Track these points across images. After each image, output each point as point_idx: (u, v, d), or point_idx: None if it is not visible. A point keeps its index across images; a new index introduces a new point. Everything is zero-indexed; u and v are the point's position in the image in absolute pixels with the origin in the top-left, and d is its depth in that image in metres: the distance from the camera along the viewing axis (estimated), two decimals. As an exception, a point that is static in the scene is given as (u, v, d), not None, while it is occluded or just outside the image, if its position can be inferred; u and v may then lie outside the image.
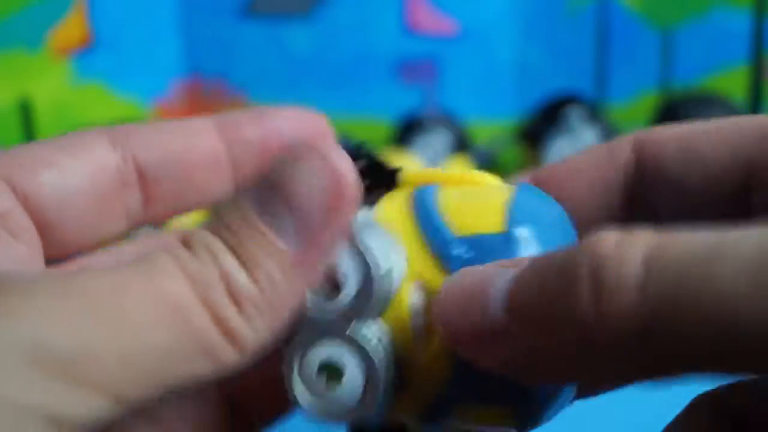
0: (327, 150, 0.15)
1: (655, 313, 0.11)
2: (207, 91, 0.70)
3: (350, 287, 0.16)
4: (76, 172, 0.18)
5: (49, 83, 0.60)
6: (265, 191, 0.15)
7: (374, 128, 0.66)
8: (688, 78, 0.65)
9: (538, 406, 0.17)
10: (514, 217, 0.16)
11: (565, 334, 0.12)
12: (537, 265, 0.14)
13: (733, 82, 0.64)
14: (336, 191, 0.15)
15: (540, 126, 0.60)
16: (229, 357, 0.14)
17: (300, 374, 0.17)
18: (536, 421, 0.17)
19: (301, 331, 0.17)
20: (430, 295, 0.16)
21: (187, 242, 0.15)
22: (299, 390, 0.17)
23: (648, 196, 0.18)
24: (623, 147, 0.18)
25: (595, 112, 0.60)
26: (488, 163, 0.65)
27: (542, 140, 0.58)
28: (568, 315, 0.12)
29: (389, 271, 0.16)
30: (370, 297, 0.16)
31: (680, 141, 0.18)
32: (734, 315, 0.10)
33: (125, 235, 0.20)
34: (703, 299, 0.11)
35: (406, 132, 0.65)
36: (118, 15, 0.64)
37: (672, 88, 0.66)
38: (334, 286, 0.16)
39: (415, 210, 0.17)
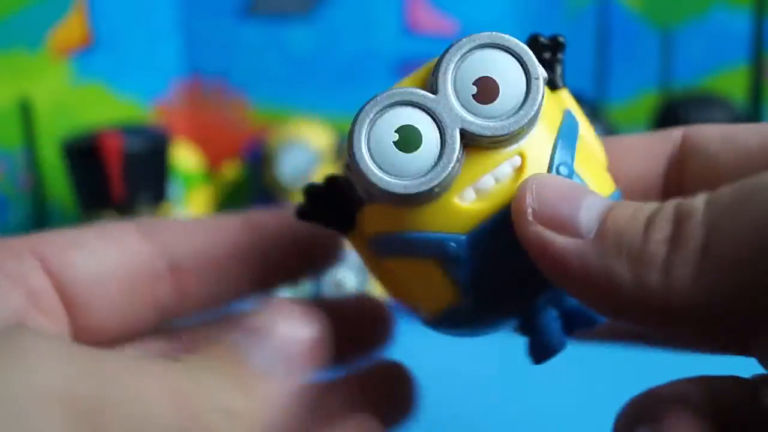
0: (297, 305, 0.17)
1: (713, 223, 0.15)
2: (207, 91, 0.70)
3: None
4: (107, 256, 0.19)
5: (49, 83, 0.60)
6: (242, 331, 0.17)
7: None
8: (688, 78, 0.65)
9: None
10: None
11: (643, 248, 0.15)
12: (630, 205, 0.16)
13: (734, 83, 0.64)
14: (308, 336, 0.17)
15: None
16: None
17: (369, 143, 0.17)
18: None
19: (368, 103, 0.17)
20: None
21: (180, 359, 0.16)
22: (365, 159, 0.17)
23: (687, 178, 0.20)
24: (674, 133, 0.21)
25: (594, 112, 0.60)
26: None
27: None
28: (651, 235, 0.15)
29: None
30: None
31: (723, 130, 0.20)
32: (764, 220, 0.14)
33: (154, 327, 0.20)
34: (742, 209, 0.14)
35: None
36: (118, 15, 0.64)
37: (672, 88, 0.66)
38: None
39: (562, 127, 0.19)
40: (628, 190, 0.20)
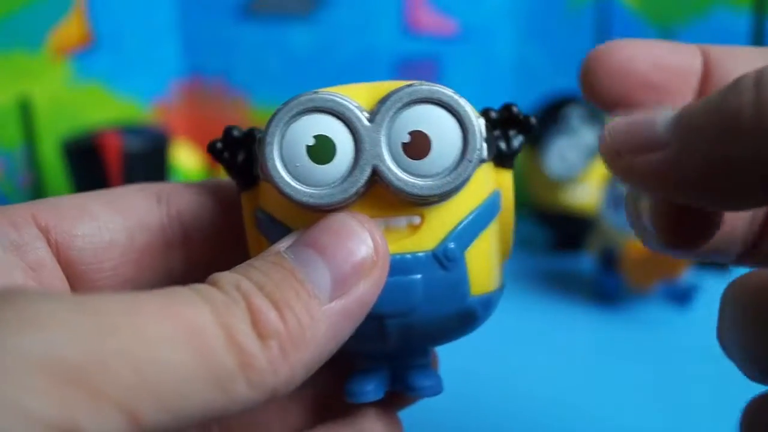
0: (366, 221, 0.16)
1: None
2: (207, 91, 0.70)
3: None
4: (112, 225, 0.18)
5: (49, 83, 0.60)
6: (302, 247, 0.16)
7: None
8: (688, 78, 0.65)
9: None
10: None
11: (727, 139, 0.14)
12: (700, 101, 0.15)
13: (733, 82, 0.64)
14: (371, 258, 0.16)
15: (539, 126, 0.60)
16: (243, 392, 0.14)
17: (281, 152, 0.17)
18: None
19: (280, 110, 0.17)
20: None
21: (214, 282, 0.15)
22: (278, 170, 0.17)
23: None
24: (693, 50, 0.20)
25: (595, 112, 0.60)
26: (488, 162, 0.64)
27: (542, 140, 0.58)
28: (732, 121, 0.14)
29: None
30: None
31: (749, 54, 0.19)
32: None
33: None
34: None
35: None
36: (118, 15, 0.64)
37: (672, 88, 0.66)
38: None
39: (479, 208, 0.18)
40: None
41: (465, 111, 0.17)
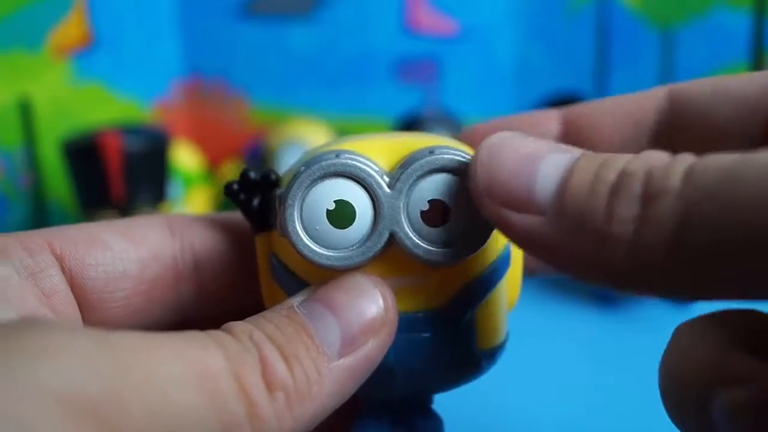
0: (379, 283, 0.16)
1: (691, 206, 0.13)
2: (207, 91, 0.70)
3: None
4: (125, 255, 0.18)
5: (49, 83, 0.60)
6: (315, 303, 0.16)
7: (374, 128, 0.66)
8: (688, 78, 0.65)
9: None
10: None
11: (607, 229, 0.14)
12: (593, 163, 0.14)
13: (733, 82, 0.64)
14: (381, 318, 0.16)
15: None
16: None
17: (301, 214, 0.17)
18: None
19: (297, 177, 0.17)
20: None
21: (229, 329, 0.15)
22: (298, 233, 0.17)
23: (677, 137, 0.18)
24: (657, 92, 0.19)
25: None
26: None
27: (542, 140, 0.58)
28: (616, 212, 0.14)
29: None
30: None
31: (713, 83, 0.18)
32: (753, 209, 0.12)
33: (175, 327, 0.19)
34: (728, 195, 0.13)
35: (406, 131, 0.65)
36: (118, 15, 0.64)
37: (672, 88, 0.66)
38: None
39: (488, 269, 0.18)
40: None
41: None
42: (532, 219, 0.15)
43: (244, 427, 0.14)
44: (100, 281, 0.18)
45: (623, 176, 0.14)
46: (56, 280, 0.18)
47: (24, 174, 0.60)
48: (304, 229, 0.17)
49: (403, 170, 0.17)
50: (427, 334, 0.17)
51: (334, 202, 0.17)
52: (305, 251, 0.17)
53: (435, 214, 0.17)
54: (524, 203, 0.15)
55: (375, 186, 0.17)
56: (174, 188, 0.57)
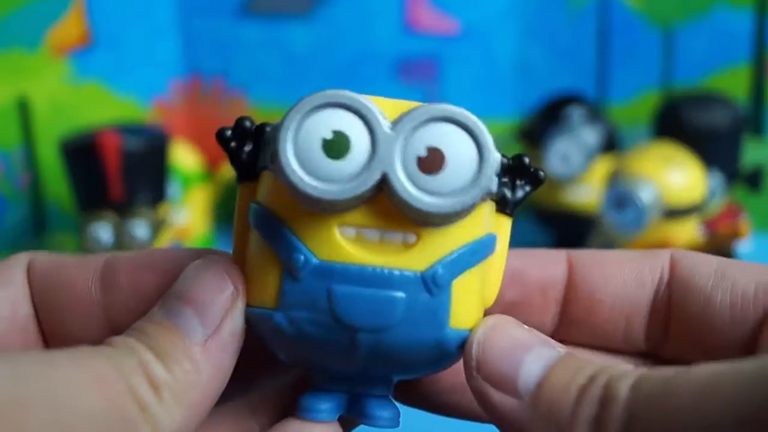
0: (218, 262, 0.18)
1: (634, 413, 0.15)
2: (206, 91, 0.70)
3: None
4: None
5: (48, 82, 0.60)
6: (170, 299, 0.17)
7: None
8: (689, 77, 0.65)
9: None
10: None
11: (571, 425, 0.15)
12: (572, 365, 0.16)
13: (735, 82, 0.64)
14: (228, 292, 0.17)
15: (540, 126, 0.60)
16: None
17: (296, 140, 0.17)
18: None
19: (294, 106, 0.17)
20: None
21: (109, 342, 0.16)
22: (288, 156, 0.16)
23: (674, 307, 0.20)
24: (662, 257, 0.20)
25: (596, 112, 0.60)
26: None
27: (543, 140, 0.58)
28: (580, 411, 0.15)
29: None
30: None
31: (717, 263, 0.20)
32: (683, 422, 0.14)
33: None
34: (663, 407, 0.14)
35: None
36: (116, 14, 0.64)
37: (673, 88, 0.66)
38: None
39: (475, 244, 0.18)
40: (613, 310, 0.20)
41: (486, 141, 0.17)
42: (510, 401, 0.17)
43: (142, 424, 0.15)
44: None
45: (590, 380, 0.16)
46: None
47: (22, 173, 0.59)
48: (296, 155, 0.17)
49: (406, 115, 0.17)
50: (400, 294, 0.17)
51: (332, 132, 0.17)
52: (293, 177, 0.16)
53: (431, 163, 0.17)
54: (506, 385, 0.17)
55: (375, 123, 0.17)
56: (173, 188, 0.57)
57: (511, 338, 0.17)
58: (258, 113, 0.69)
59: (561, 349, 0.17)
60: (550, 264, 0.21)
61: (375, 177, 0.17)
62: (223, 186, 0.67)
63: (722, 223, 0.54)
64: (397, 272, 0.17)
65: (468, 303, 0.18)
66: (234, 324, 0.17)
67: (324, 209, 0.17)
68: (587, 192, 0.57)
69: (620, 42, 0.66)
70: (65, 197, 0.60)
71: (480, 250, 0.18)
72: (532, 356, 0.17)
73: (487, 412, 0.17)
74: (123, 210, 0.50)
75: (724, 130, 0.56)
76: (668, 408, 0.14)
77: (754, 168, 0.61)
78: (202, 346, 0.17)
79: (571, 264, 0.21)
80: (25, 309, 0.19)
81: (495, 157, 0.17)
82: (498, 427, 0.17)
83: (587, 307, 0.21)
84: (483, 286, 0.19)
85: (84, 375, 0.15)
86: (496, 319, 0.18)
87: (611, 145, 0.59)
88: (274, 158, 0.17)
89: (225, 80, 0.70)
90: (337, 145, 0.17)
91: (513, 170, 0.19)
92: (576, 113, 0.58)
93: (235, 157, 0.19)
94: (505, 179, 0.19)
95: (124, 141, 0.50)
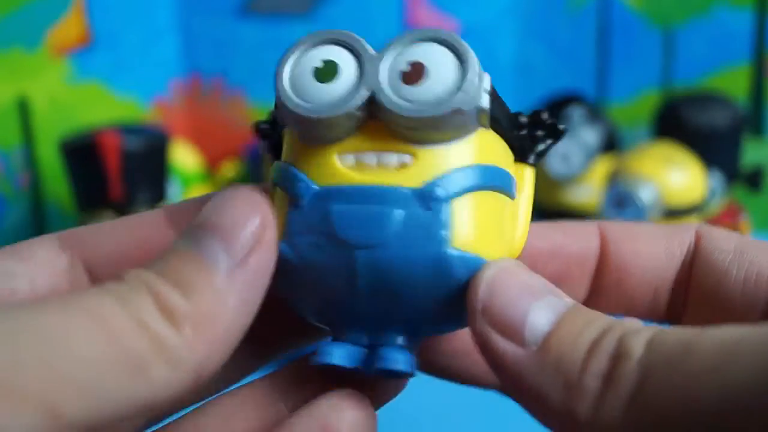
0: (247, 189, 0.17)
1: (648, 372, 0.14)
2: (206, 90, 0.70)
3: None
4: (13, 273, 0.18)
5: (48, 82, 0.59)
6: (192, 228, 0.16)
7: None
8: (689, 77, 0.65)
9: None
10: None
11: (579, 379, 0.15)
12: (582, 318, 0.16)
13: (735, 82, 0.64)
14: (256, 220, 0.16)
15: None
16: (163, 374, 0.14)
17: (292, 71, 0.18)
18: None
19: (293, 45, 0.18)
20: None
21: (117, 277, 0.15)
22: (283, 83, 0.18)
23: (694, 281, 0.20)
24: (689, 231, 0.21)
25: (596, 112, 0.60)
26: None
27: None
28: (590, 365, 0.15)
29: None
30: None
31: (737, 241, 0.20)
32: (700, 383, 0.13)
33: None
34: (681, 367, 0.14)
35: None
36: (116, 14, 0.64)
37: (673, 88, 0.66)
38: None
39: (482, 169, 0.19)
40: (642, 283, 0.21)
41: (467, 52, 0.18)
42: (516, 349, 0.16)
43: (155, 361, 0.14)
44: None
45: (602, 334, 0.15)
46: None
47: (22, 173, 0.59)
48: (291, 84, 0.18)
49: (392, 40, 0.18)
50: (394, 209, 0.17)
51: (322, 61, 0.18)
52: (288, 103, 0.18)
53: (416, 75, 0.17)
54: (513, 332, 0.16)
55: (361, 50, 0.18)
56: (173, 188, 0.57)
57: (521, 283, 0.16)
58: (258, 113, 0.69)
59: (569, 299, 0.17)
60: (586, 237, 0.21)
61: (363, 95, 0.17)
62: (223, 185, 0.67)
63: (722, 223, 0.54)
64: (391, 189, 0.17)
65: (475, 228, 0.18)
66: (262, 255, 0.16)
67: (321, 136, 0.18)
68: (587, 192, 0.57)
69: (620, 42, 0.66)
70: (65, 197, 0.60)
71: (485, 176, 0.18)
72: (541, 304, 0.16)
73: (490, 361, 0.16)
74: (123, 210, 0.50)
75: (724, 130, 0.56)
76: (686, 368, 0.14)
77: (754, 168, 0.61)
78: (227, 275, 0.15)
79: (603, 237, 0.21)
80: (44, 285, 0.18)
81: (479, 72, 0.18)
82: (500, 378, 0.16)
83: (617, 279, 0.21)
84: (500, 220, 0.18)
85: (84, 320, 0.14)
86: (507, 262, 0.17)
87: (611, 145, 0.59)
88: (276, 92, 0.18)
89: (225, 80, 0.70)
90: (327, 72, 0.18)
91: (531, 125, 0.19)
92: (576, 113, 0.58)
93: (271, 145, 0.20)
94: (524, 132, 0.19)
95: (124, 141, 0.50)
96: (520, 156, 0.20)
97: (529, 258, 0.19)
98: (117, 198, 0.50)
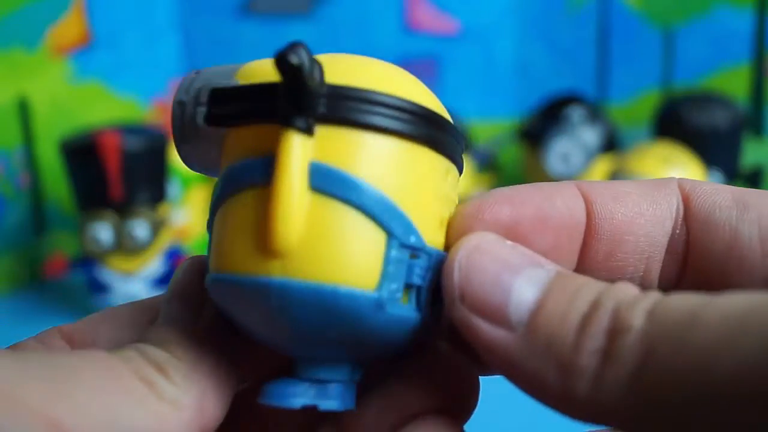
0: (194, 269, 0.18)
1: (652, 346, 0.13)
2: (206, 90, 0.70)
3: None
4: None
5: (48, 82, 0.59)
6: (163, 304, 0.17)
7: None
8: (689, 77, 0.65)
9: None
10: None
11: (573, 359, 0.14)
12: (568, 288, 0.15)
13: (735, 82, 0.64)
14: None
15: (540, 125, 0.60)
16: (165, 410, 0.15)
17: None
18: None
19: None
20: None
21: (116, 348, 0.17)
22: None
23: (694, 245, 0.18)
24: (671, 187, 0.18)
25: (595, 112, 0.60)
26: (488, 162, 0.64)
27: (542, 140, 0.58)
28: (584, 343, 0.14)
29: None
30: None
31: (732, 192, 0.18)
32: (709, 356, 0.12)
33: None
34: (688, 339, 0.13)
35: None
36: (116, 14, 0.64)
37: (673, 88, 0.66)
38: None
39: None
40: (636, 251, 0.18)
41: None
42: (502, 333, 0.15)
43: (159, 405, 0.15)
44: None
45: (594, 307, 0.14)
46: None
47: (22, 173, 0.59)
48: None
49: None
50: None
51: None
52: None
53: None
54: (497, 316, 0.15)
55: None
56: (173, 188, 0.57)
57: (497, 259, 0.15)
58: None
59: (550, 266, 0.15)
60: (570, 203, 0.18)
61: None
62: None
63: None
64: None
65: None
66: (212, 308, 0.17)
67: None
68: (587, 192, 0.57)
69: (620, 42, 0.66)
70: (65, 197, 0.60)
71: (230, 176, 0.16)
72: (521, 279, 0.15)
73: (476, 346, 0.15)
74: (123, 210, 0.50)
75: (724, 130, 0.56)
76: (694, 341, 0.12)
77: (754, 168, 0.61)
78: (192, 330, 0.17)
79: (587, 199, 0.18)
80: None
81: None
82: (491, 365, 0.15)
83: (607, 250, 0.18)
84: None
85: (87, 358, 0.15)
86: (478, 237, 0.15)
87: (611, 145, 0.59)
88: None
89: (225, 80, 0.70)
90: None
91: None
92: (576, 113, 0.58)
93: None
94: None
95: (124, 141, 0.50)
96: (284, 120, 0.15)
97: (513, 230, 0.17)
98: (117, 198, 0.50)
